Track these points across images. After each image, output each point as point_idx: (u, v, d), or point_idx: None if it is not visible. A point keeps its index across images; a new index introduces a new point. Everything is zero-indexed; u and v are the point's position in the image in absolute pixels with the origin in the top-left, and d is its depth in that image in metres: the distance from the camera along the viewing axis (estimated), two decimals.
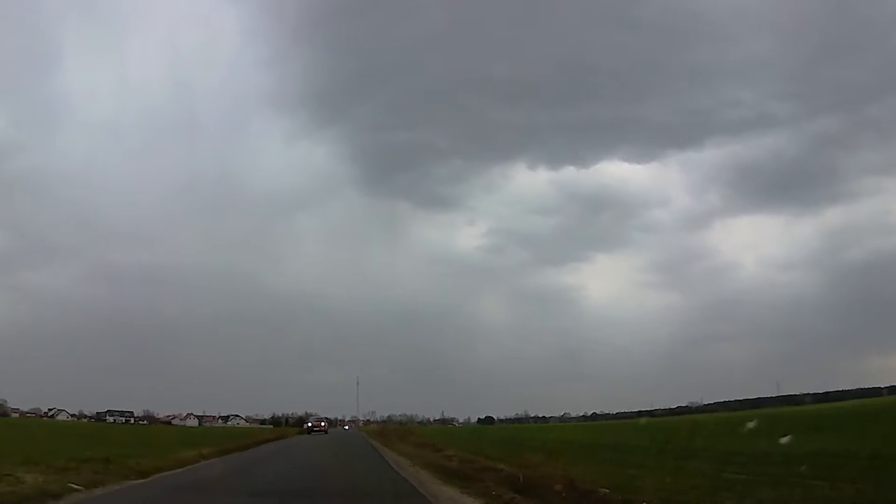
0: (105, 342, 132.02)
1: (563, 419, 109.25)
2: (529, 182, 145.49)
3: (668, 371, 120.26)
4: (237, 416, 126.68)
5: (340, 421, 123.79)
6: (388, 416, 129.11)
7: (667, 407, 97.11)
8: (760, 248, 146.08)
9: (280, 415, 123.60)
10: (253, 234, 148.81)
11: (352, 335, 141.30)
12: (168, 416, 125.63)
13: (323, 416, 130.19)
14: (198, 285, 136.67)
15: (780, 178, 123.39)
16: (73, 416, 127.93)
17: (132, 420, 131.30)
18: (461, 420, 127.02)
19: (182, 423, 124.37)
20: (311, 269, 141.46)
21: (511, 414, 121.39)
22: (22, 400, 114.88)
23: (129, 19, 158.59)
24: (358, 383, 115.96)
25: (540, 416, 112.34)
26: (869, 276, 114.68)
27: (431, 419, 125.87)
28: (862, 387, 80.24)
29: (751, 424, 19.79)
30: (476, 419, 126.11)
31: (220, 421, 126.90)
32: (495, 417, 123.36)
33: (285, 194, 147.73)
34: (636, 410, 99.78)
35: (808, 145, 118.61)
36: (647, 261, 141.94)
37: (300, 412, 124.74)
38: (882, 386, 76.22)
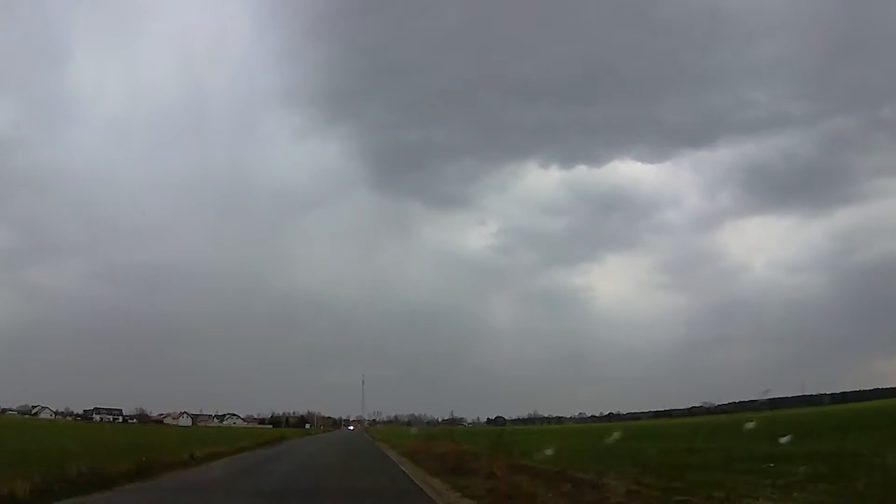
0: (104, 340, 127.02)
1: (579, 419, 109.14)
2: (541, 181, 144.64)
3: (683, 371, 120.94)
4: (234, 415, 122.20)
5: (345, 421, 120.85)
6: (395, 417, 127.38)
7: (682, 407, 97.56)
8: (771, 249, 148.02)
9: (280, 414, 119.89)
10: (259, 232, 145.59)
11: (359, 335, 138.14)
12: (161, 415, 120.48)
13: (326, 415, 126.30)
14: (201, 284, 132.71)
15: (792, 179, 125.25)
16: (57, 413, 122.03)
17: (120, 419, 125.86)
18: (469, 420, 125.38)
19: (175, 422, 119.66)
20: (319, 268, 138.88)
21: (523, 414, 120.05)
22: (8, 397, 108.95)
23: (140, 14, 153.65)
24: (363, 382, 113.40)
25: (554, 416, 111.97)
26: (881, 277, 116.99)
27: (439, 419, 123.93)
28: (879, 387, 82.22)
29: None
30: (485, 419, 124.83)
31: (215, 420, 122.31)
32: (506, 417, 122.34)
33: (294, 193, 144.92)
34: (655, 410, 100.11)
35: (821, 146, 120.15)
36: (658, 262, 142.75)
37: (302, 412, 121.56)
38: None
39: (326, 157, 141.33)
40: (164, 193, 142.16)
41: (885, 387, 79.48)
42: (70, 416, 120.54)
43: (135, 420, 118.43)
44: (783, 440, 17.73)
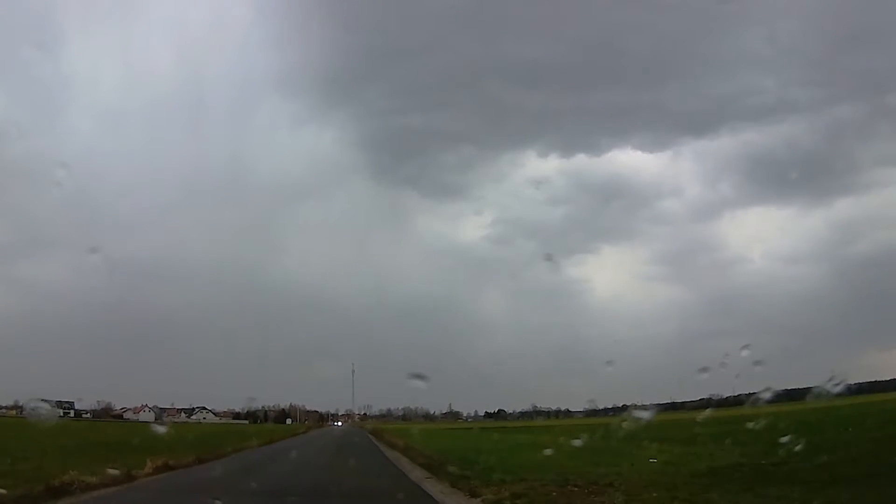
0: (74, 331, 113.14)
1: (589, 412, 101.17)
2: (539, 170, 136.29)
3: (688, 363, 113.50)
4: (205, 408, 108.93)
5: (332, 415, 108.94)
6: (388, 410, 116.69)
7: (692, 399, 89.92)
8: (772, 240, 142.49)
9: (259, 408, 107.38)
10: (248, 223, 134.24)
11: (349, 326, 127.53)
12: (121, 409, 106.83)
13: (311, 409, 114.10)
14: (183, 276, 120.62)
15: (794, 168, 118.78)
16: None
17: (72, 413, 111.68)
18: (466, 414, 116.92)
19: (136, 417, 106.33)
20: (305, 257, 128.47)
21: (524, 407, 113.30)
22: None
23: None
24: (353, 372, 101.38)
25: (563, 409, 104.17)
26: (879, 268, 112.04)
27: (435, 413, 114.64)
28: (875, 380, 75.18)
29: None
30: (484, 413, 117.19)
31: (182, 415, 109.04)
32: (507, 411, 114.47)
33: (286, 182, 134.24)
34: (664, 402, 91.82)
35: (825, 134, 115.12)
36: (657, 252, 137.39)
37: (284, 405, 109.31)
38: None
39: (323, 144, 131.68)
40: (155, 184, 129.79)
41: (879, 379, 72.66)
42: (14, 409, 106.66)
43: (88, 415, 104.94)
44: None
